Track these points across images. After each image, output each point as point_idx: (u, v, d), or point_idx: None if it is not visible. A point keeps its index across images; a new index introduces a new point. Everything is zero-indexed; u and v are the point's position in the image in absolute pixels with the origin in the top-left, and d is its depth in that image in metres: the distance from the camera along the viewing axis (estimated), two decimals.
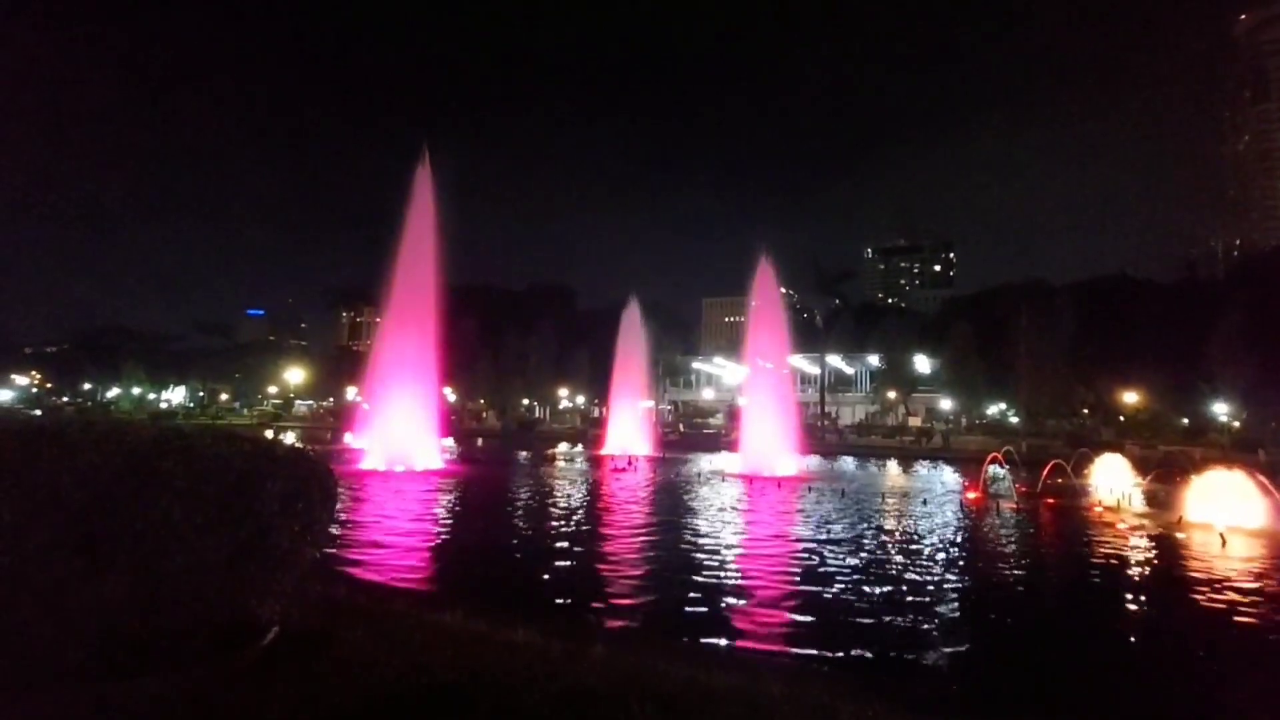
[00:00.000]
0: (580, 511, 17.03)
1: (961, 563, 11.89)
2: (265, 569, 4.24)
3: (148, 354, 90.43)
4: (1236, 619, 8.75)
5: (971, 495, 21.48)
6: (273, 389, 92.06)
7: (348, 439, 37.11)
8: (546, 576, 10.09)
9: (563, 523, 15.05)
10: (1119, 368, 55.81)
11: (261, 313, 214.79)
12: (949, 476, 30.67)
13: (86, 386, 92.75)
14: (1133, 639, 8.24)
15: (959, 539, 14.25)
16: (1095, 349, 56.07)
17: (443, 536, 13.22)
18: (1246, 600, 9.65)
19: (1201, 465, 19.62)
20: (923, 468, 36.82)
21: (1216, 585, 10.44)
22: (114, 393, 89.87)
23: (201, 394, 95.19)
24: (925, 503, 20.05)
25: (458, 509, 17.10)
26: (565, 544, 12.53)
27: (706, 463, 33.36)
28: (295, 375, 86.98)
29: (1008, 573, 11.47)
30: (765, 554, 12.02)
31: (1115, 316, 58.64)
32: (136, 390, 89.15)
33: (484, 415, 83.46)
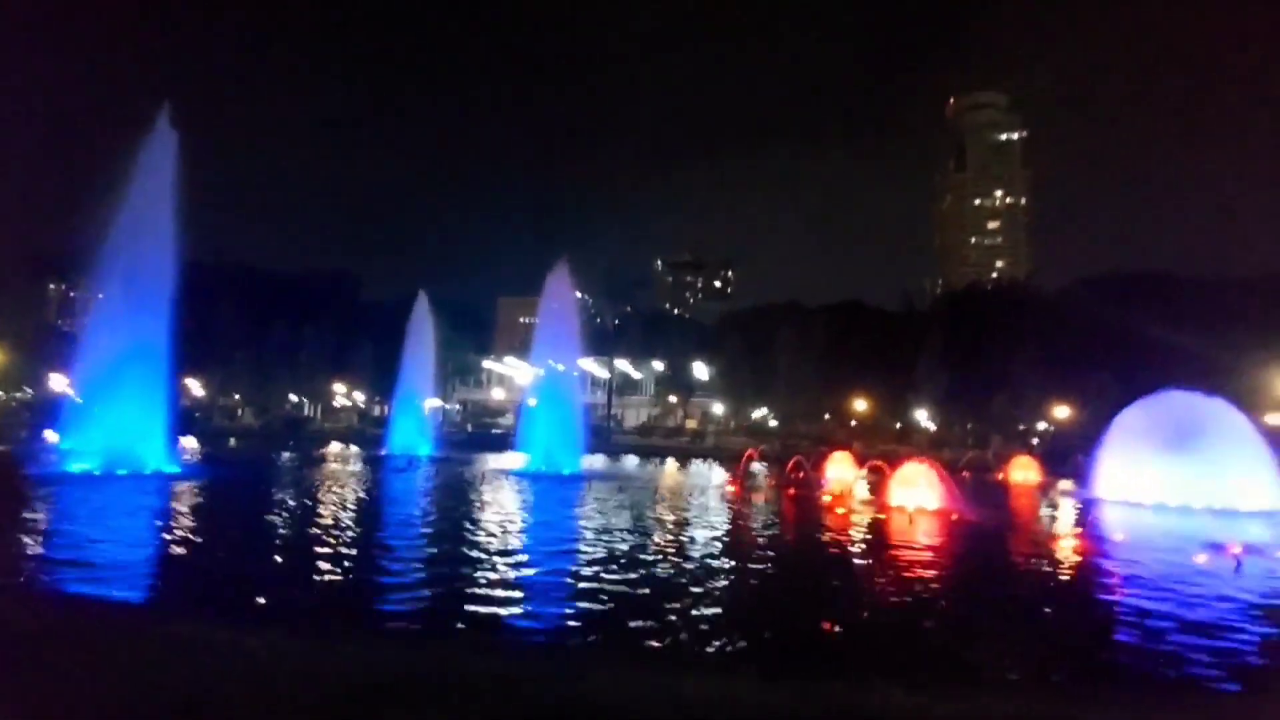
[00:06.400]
0: (344, 513, 15.86)
1: (714, 542, 13.39)
2: None
3: None
4: (904, 570, 11.14)
5: (731, 489, 24.00)
6: None
7: (49, 436, 30.42)
8: (295, 582, 9.29)
9: (320, 525, 13.86)
10: (853, 379, 65.92)
11: None
12: (717, 473, 33.78)
13: None
14: (825, 586, 10.18)
15: (714, 524, 15.93)
16: (837, 363, 65.67)
17: (171, 547, 11.49)
18: (912, 557, 12.36)
19: (903, 461, 24.06)
20: (696, 465, 40.06)
21: (896, 548, 13.33)
22: None
23: None
24: (691, 495, 21.99)
25: (193, 516, 14.93)
26: (320, 547, 11.56)
27: (492, 462, 32.97)
28: None
29: (747, 548, 13.15)
30: (532, 544, 12.36)
31: (852, 337, 69.19)
32: None
33: (239, 412, 73.54)
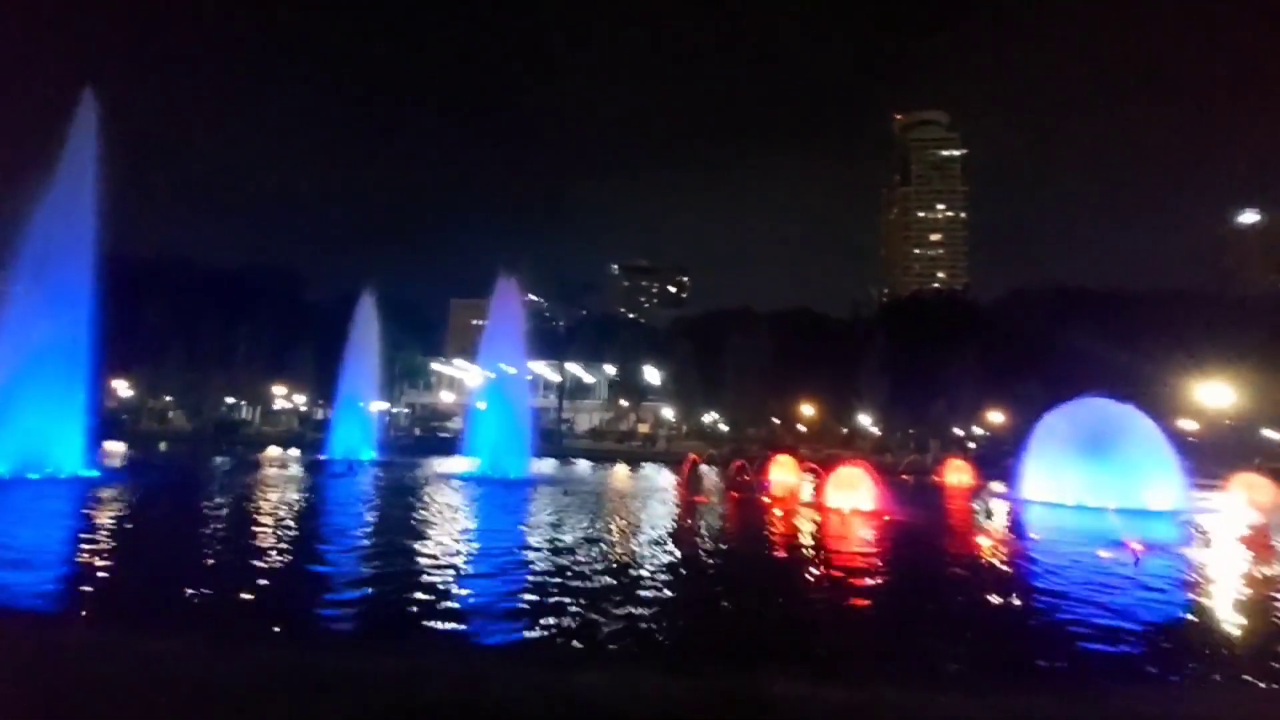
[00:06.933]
0: (266, 520, 15.13)
1: (644, 543, 13.56)
2: None
3: None
4: (824, 567, 11.71)
5: (676, 492, 24.29)
6: None
7: None
8: (204, 589, 8.88)
9: (238, 532, 13.26)
10: (801, 385, 67.41)
11: None
12: (665, 477, 34.01)
13: None
14: (744, 582, 10.62)
15: (651, 526, 16.08)
16: (785, 369, 67.04)
17: (72, 553, 10.85)
18: (835, 555, 13.06)
19: (840, 464, 24.83)
20: (646, 470, 40.20)
21: (822, 547, 13.98)
22: None
23: None
24: (635, 499, 22.14)
25: (103, 522, 14.10)
26: (232, 554, 11.13)
27: (438, 466, 32.46)
28: None
29: (675, 549, 13.15)
30: (459, 547, 12.24)
31: (800, 344, 70.78)
32: None
33: (169, 415, 70.29)
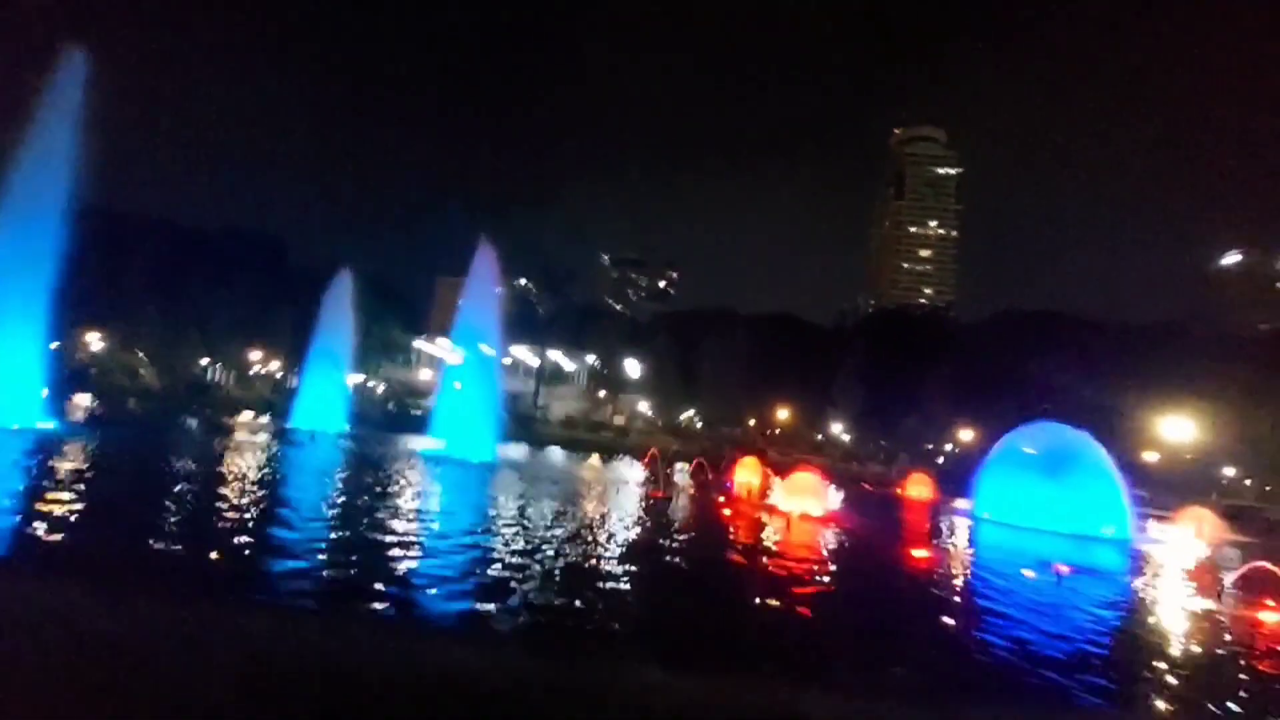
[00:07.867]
0: (197, 481, 15.01)
1: (576, 530, 13.45)
2: None
3: None
4: (750, 566, 11.89)
5: (639, 488, 24.46)
6: None
7: None
8: (104, 543, 8.80)
9: (164, 490, 13.02)
10: (777, 389, 67.89)
11: None
12: (635, 470, 34.16)
13: None
14: (652, 570, 10.75)
15: (593, 516, 16.03)
16: (764, 372, 67.47)
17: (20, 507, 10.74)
18: (760, 556, 13.19)
19: (812, 470, 25.11)
20: (617, 462, 40.25)
21: (754, 547, 14.20)
22: None
23: None
24: (589, 489, 22.31)
25: (42, 473, 13.91)
26: (146, 510, 11.00)
27: (404, 443, 32.39)
28: None
29: (609, 541, 13.15)
30: (376, 521, 12.11)
31: (780, 348, 71.24)
32: None
33: (141, 372, 69.23)
